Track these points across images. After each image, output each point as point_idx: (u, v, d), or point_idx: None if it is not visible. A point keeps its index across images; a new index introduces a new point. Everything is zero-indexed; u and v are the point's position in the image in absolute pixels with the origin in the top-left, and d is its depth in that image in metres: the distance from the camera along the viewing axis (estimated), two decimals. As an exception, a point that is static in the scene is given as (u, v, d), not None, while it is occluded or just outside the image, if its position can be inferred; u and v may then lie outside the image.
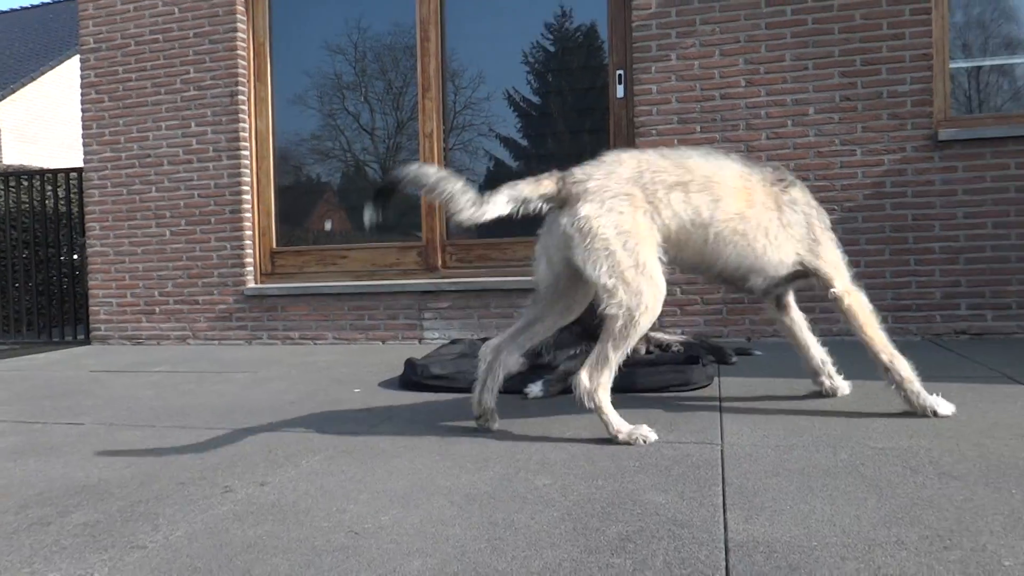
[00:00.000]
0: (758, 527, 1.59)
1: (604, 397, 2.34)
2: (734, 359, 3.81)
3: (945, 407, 2.54)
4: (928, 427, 2.37)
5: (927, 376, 3.20)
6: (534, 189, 2.45)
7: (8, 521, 1.82)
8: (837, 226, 4.46)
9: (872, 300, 4.56)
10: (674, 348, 3.84)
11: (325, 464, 2.21)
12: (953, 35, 4.58)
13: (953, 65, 4.56)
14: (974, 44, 4.66)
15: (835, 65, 4.55)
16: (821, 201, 4.50)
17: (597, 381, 2.33)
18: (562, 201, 2.46)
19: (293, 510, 1.81)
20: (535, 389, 3.08)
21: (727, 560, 1.44)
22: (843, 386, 2.95)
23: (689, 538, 1.55)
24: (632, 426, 2.34)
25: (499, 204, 2.36)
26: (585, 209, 2.37)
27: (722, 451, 2.18)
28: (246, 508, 1.84)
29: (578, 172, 2.52)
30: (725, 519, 1.65)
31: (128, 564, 1.53)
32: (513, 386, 3.20)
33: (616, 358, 2.35)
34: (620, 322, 2.32)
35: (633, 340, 2.37)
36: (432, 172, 2.34)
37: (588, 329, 3.45)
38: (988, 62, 4.67)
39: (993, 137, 4.37)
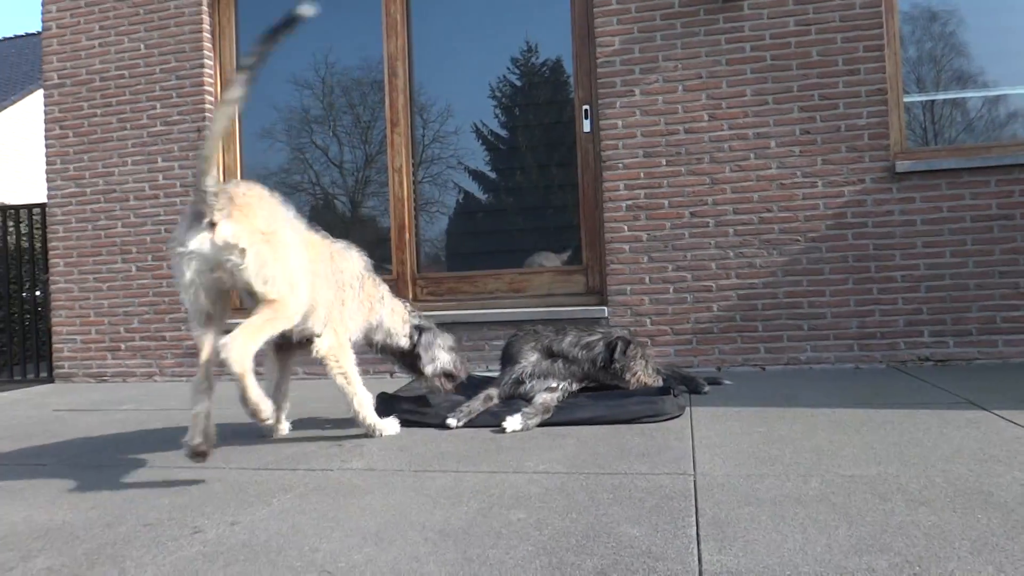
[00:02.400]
0: (731, 557, 1.61)
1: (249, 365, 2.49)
2: (707, 389, 3.84)
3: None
4: (895, 455, 2.41)
5: (892, 403, 3.27)
6: None
7: (-32, 569, 1.77)
8: (800, 256, 4.58)
9: (837, 328, 4.67)
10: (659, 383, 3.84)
11: (297, 502, 2.18)
12: (906, 70, 4.75)
13: (907, 99, 4.71)
14: (927, 78, 4.83)
15: (794, 100, 4.68)
16: (784, 231, 4.62)
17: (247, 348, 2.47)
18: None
19: (265, 549, 1.79)
20: (513, 423, 3.06)
21: (702, 591, 1.45)
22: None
23: (664, 570, 1.56)
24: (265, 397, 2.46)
25: None
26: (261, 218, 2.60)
27: (695, 482, 2.20)
28: (216, 549, 1.81)
29: (233, 190, 2.67)
30: (699, 550, 1.66)
31: (94, 611, 1.49)
32: (487, 420, 3.20)
33: (264, 335, 2.51)
34: (274, 309, 2.54)
35: (279, 329, 2.59)
36: None
37: (586, 373, 3.50)
38: (941, 96, 4.84)
39: (948, 168, 4.51)
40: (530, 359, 3.53)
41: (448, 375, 3.37)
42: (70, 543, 1.91)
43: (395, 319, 3.29)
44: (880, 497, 1.97)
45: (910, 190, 4.55)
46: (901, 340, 4.54)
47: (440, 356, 3.36)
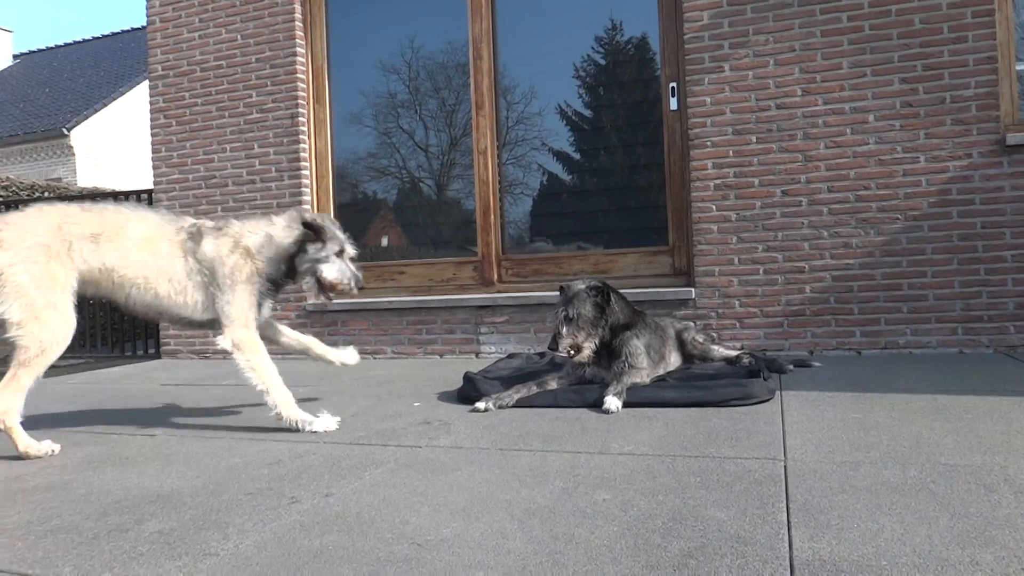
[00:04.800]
0: (824, 545, 1.57)
1: (15, 419, 2.66)
2: (790, 367, 3.84)
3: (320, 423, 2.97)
4: (1002, 444, 2.29)
5: (999, 390, 3.11)
6: None
7: (89, 527, 1.90)
8: (900, 235, 4.38)
9: (940, 311, 4.45)
10: (744, 360, 3.78)
11: (387, 476, 2.25)
12: (1019, 36, 4.43)
13: (1020, 67, 4.41)
14: (1043, 45, 4.51)
15: (895, 71, 4.45)
16: (882, 209, 4.42)
17: (9, 404, 2.64)
18: None
19: (357, 521, 1.85)
20: (613, 404, 3.06)
21: (793, 577, 1.42)
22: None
23: (753, 555, 1.54)
24: (38, 443, 2.72)
25: None
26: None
27: (785, 467, 2.15)
28: (312, 518, 1.89)
29: None
30: (790, 537, 1.62)
31: (201, 571, 1.59)
32: (570, 401, 3.21)
33: (29, 382, 2.66)
34: (32, 352, 2.63)
35: (44, 366, 2.69)
36: None
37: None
38: (1059, 63, 4.51)
39: (1066, 141, 4.21)
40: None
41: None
42: (178, 508, 2.03)
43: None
44: (985, 488, 1.87)
45: (1022, 164, 4.27)
46: (1011, 324, 4.28)
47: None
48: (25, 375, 2.65)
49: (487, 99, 5.45)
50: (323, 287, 3.08)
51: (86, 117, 20.82)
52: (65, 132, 20.28)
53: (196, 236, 2.98)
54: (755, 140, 4.68)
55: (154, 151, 6.18)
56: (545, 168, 5.50)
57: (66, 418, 3.57)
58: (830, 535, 1.62)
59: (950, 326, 4.36)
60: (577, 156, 5.47)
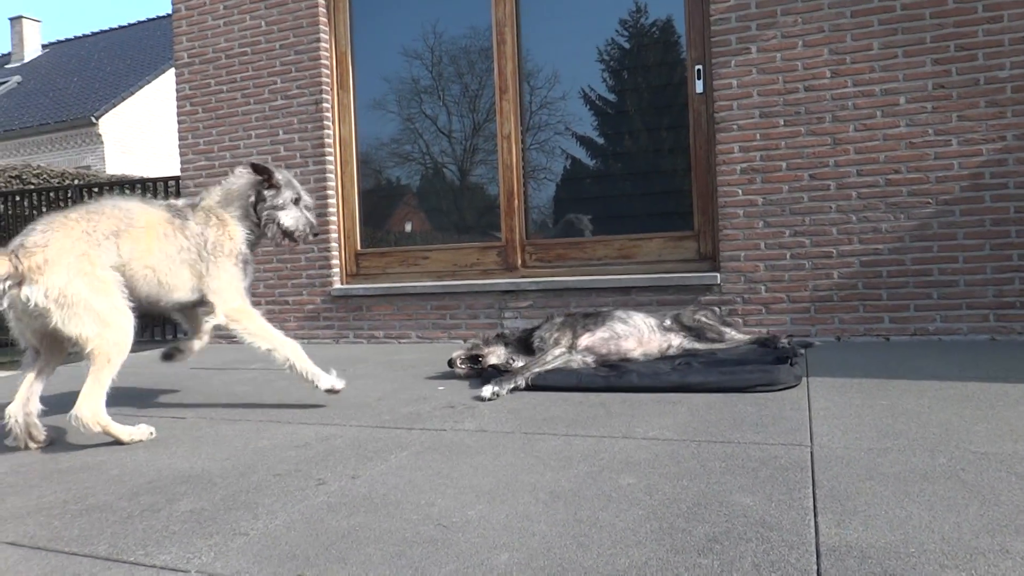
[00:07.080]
0: (851, 531, 1.56)
1: (106, 417, 2.61)
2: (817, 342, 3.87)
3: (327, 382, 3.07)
4: (1034, 430, 2.25)
5: (1032, 376, 3.05)
6: None
7: (123, 507, 1.94)
8: (931, 220, 4.31)
9: (972, 297, 4.38)
10: (781, 343, 3.63)
11: (413, 459, 2.27)
12: (1058, 15, 4.32)
13: (1059, 47, 4.30)
14: (1082, 24, 4.39)
15: (927, 52, 4.36)
16: (913, 193, 4.35)
17: (97, 406, 2.59)
18: (21, 277, 2.49)
19: (384, 502, 1.87)
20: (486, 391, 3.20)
21: (819, 564, 1.42)
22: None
23: (778, 540, 1.53)
24: (132, 427, 2.68)
25: None
26: (54, 281, 2.49)
27: (812, 453, 2.13)
28: (339, 500, 1.91)
29: (30, 244, 2.53)
30: (816, 522, 1.62)
31: (232, 550, 1.61)
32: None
33: (107, 384, 2.61)
34: (104, 356, 2.59)
35: (120, 363, 2.66)
36: None
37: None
38: (1098, 43, 4.38)
39: (1105, 122, 4.10)
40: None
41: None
42: (208, 489, 2.06)
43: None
44: (1017, 476, 1.85)
45: (1059, 147, 4.17)
46: (1044, 310, 4.20)
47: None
48: (106, 375, 2.62)
49: (511, 83, 5.43)
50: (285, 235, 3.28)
51: (114, 105, 21.07)
52: (94, 120, 20.55)
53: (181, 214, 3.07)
54: (783, 123, 4.62)
55: (181, 138, 6.24)
56: (569, 153, 5.47)
57: (98, 401, 3.63)
58: (857, 521, 1.61)
59: (981, 312, 4.29)
60: (601, 140, 5.43)
